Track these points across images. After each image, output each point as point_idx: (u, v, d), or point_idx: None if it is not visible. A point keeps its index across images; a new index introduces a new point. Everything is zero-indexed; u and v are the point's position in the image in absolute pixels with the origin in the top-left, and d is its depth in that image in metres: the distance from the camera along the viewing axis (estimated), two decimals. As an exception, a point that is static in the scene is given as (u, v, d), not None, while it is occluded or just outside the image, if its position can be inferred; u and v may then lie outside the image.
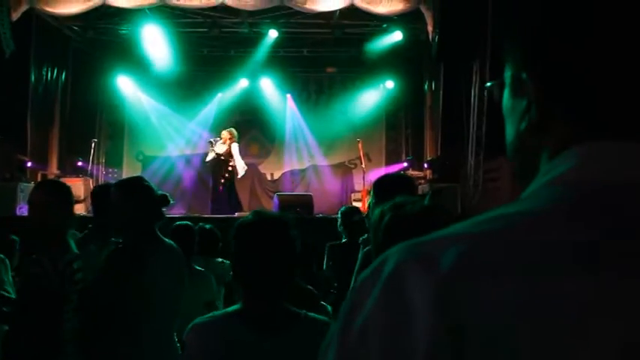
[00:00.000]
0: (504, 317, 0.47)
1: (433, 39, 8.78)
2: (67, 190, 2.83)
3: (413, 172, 10.55)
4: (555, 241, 0.50)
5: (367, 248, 2.35)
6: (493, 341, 0.47)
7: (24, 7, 8.77)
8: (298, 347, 1.56)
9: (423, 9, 9.00)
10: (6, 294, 3.11)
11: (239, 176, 9.37)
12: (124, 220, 2.57)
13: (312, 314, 1.67)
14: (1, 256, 3.14)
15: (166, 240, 2.63)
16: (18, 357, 2.65)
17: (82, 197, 9.63)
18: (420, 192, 9.64)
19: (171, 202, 2.63)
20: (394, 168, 11.92)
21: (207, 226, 4.39)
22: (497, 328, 0.47)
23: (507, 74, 0.67)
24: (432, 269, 0.50)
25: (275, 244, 1.58)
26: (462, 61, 9.10)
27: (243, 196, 10.66)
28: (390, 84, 12.26)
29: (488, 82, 0.78)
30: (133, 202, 2.54)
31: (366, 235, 3.12)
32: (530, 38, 0.62)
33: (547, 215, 0.53)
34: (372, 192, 2.51)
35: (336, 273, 4.03)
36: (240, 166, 9.32)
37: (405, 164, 11.14)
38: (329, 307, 2.81)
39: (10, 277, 3.17)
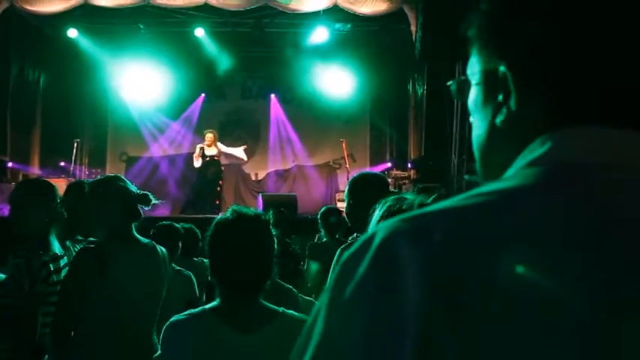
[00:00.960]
0: (493, 290, 0.49)
1: (416, 39, 8.82)
2: (49, 188, 2.80)
3: (397, 172, 10.60)
4: (538, 216, 0.52)
5: (344, 245, 2.36)
6: (482, 313, 0.48)
7: (4, 6, 8.68)
8: (276, 344, 1.57)
9: (406, 9, 9.04)
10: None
11: (245, 159, 9.59)
12: (95, 219, 2.55)
13: (290, 312, 1.68)
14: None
15: (143, 240, 2.60)
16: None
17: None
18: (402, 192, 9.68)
19: (154, 201, 2.60)
20: (378, 168, 11.97)
21: (187, 226, 4.37)
22: (486, 300, 0.48)
23: (476, 69, 0.69)
24: (423, 240, 0.51)
25: (253, 241, 1.59)
26: (444, 61, 9.15)
27: (228, 196, 10.64)
28: (374, 84, 12.28)
29: (450, 80, 0.80)
30: (104, 200, 2.51)
31: (355, 234, 3.14)
32: (507, 28, 0.64)
33: (529, 192, 0.55)
34: (347, 191, 2.51)
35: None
36: (241, 155, 9.55)
37: (389, 164, 11.18)
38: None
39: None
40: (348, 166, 10.56)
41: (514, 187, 0.57)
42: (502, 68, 0.63)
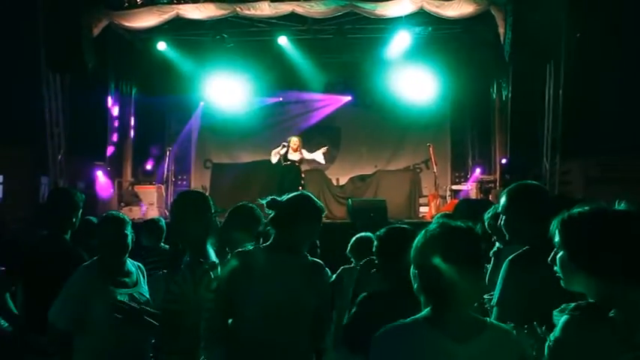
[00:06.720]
0: None
1: (504, 40, 8.66)
2: (205, 199, 2.93)
3: (482, 177, 10.47)
4: None
5: (514, 255, 2.33)
6: None
7: (104, 23, 9.10)
8: (489, 354, 1.60)
9: (493, 10, 8.88)
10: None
11: (323, 162, 10.06)
12: (304, 236, 2.66)
13: (497, 322, 1.70)
14: (138, 264, 3.27)
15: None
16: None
17: (155, 202, 10.61)
18: (491, 197, 9.52)
19: (324, 212, 2.72)
20: (461, 172, 11.85)
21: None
22: None
23: None
24: None
25: (469, 253, 1.62)
26: (535, 61, 8.95)
27: (313, 202, 10.68)
28: (453, 87, 12.09)
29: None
30: (301, 219, 2.62)
31: (496, 246, 3.12)
32: None
33: None
34: (506, 202, 2.49)
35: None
36: (320, 159, 9.68)
37: (479, 170, 10.98)
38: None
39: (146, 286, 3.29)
40: (435, 170, 10.50)
41: None
42: None
